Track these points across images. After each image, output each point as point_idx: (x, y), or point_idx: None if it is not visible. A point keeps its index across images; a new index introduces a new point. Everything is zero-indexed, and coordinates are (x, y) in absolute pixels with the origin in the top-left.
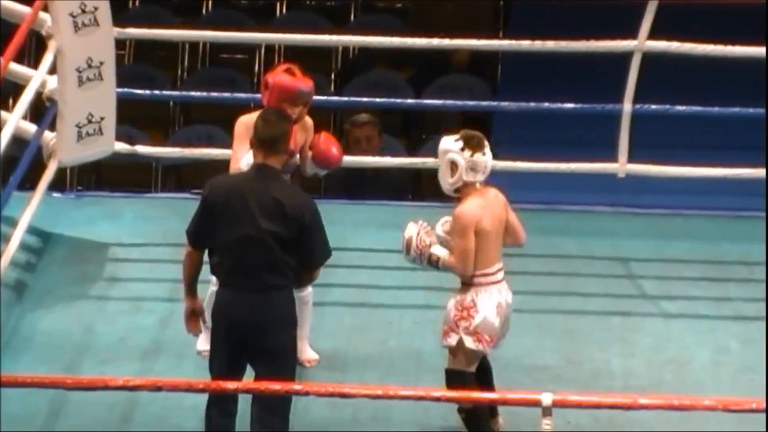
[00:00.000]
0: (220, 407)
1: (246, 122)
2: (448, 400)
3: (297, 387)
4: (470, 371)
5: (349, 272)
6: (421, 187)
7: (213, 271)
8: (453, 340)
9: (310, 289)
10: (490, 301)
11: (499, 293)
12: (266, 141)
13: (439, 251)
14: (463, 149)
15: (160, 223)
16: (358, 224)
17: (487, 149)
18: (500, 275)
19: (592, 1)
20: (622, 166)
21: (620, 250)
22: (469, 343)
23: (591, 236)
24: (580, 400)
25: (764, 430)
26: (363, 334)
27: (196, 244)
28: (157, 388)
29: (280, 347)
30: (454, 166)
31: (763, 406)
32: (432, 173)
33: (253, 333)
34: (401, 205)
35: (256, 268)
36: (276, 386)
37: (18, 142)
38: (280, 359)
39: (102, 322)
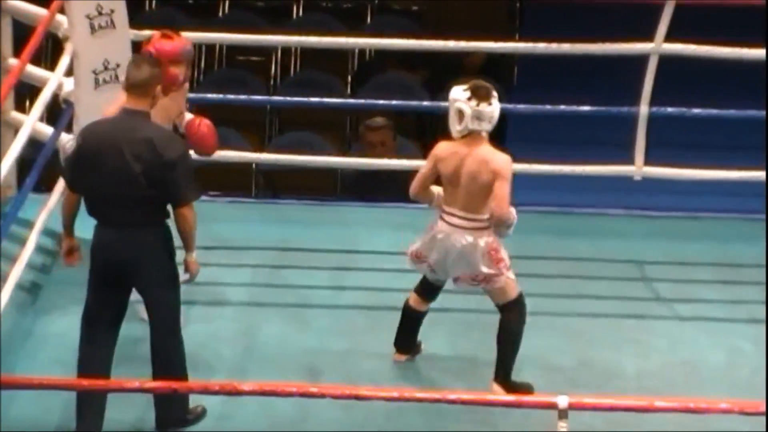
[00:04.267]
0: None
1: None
2: (464, 402)
3: (312, 389)
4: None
5: (363, 274)
6: None
7: (90, 213)
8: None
9: None
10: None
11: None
12: (135, 85)
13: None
14: (469, 99)
15: (172, 224)
16: (372, 226)
17: (495, 100)
18: (455, 220)
19: (607, 2)
20: (638, 168)
21: (634, 252)
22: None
23: (605, 238)
24: (595, 403)
25: None
26: (376, 335)
27: (72, 187)
28: (173, 390)
29: (158, 278)
30: (460, 114)
31: None
32: None
33: (127, 268)
34: (415, 208)
35: (129, 207)
36: (292, 388)
37: (34, 144)
38: (161, 288)
39: None
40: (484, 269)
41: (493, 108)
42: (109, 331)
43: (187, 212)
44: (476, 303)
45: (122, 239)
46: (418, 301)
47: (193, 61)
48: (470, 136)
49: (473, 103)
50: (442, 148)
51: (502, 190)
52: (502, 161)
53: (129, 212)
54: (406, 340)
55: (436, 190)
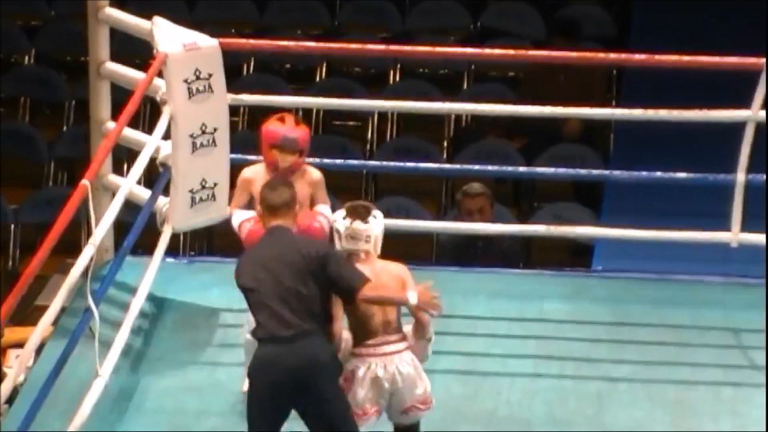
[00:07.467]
0: None
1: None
2: None
3: None
4: None
5: (459, 340)
6: (531, 256)
7: None
8: None
9: None
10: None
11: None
12: (276, 207)
13: None
14: (345, 217)
15: None
16: (469, 292)
17: (371, 218)
18: (385, 348)
19: (704, 69)
20: (735, 235)
21: (731, 320)
22: None
23: (701, 306)
24: None
25: None
26: (472, 403)
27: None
28: None
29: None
30: (338, 234)
31: None
32: (543, 241)
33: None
34: (512, 274)
35: (291, 315)
36: None
37: (131, 207)
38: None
39: (213, 388)
40: None
41: (369, 225)
42: None
43: (367, 292)
44: (572, 369)
45: (286, 350)
46: None
47: (304, 152)
48: (354, 255)
49: (347, 221)
50: None
51: None
52: None
53: (289, 321)
54: None
55: None
